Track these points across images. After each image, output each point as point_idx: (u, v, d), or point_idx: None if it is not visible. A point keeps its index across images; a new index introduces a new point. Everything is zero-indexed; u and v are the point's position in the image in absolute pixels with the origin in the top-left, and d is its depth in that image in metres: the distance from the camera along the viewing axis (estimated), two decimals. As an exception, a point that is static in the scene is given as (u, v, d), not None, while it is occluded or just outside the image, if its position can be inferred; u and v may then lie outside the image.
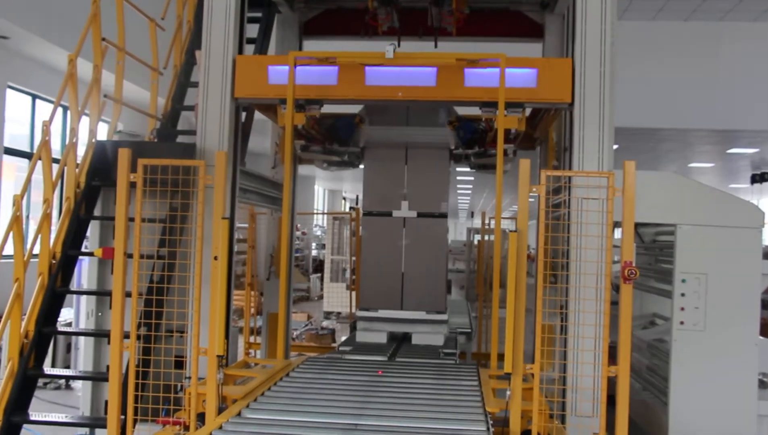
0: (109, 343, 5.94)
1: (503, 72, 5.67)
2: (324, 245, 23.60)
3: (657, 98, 14.24)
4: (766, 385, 6.00)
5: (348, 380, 5.18)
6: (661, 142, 17.22)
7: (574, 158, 5.90)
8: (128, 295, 4.48)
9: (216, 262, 4.24)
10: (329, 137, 7.35)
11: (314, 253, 26.07)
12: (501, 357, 7.53)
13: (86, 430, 6.39)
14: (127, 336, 4.56)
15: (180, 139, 7.08)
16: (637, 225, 4.64)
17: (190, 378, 5.63)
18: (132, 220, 4.45)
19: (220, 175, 4.34)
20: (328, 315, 17.17)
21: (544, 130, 7.39)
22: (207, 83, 5.96)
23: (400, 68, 5.97)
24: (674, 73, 14.10)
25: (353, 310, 10.68)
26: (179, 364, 5.86)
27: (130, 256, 4.50)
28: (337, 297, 17.10)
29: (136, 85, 9.80)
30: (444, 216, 7.18)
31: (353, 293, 10.85)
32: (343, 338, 13.38)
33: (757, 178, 20.49)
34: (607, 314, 4.19)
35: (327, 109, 6.33)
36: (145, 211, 4.60)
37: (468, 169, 8.18)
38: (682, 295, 5.89)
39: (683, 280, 5.90)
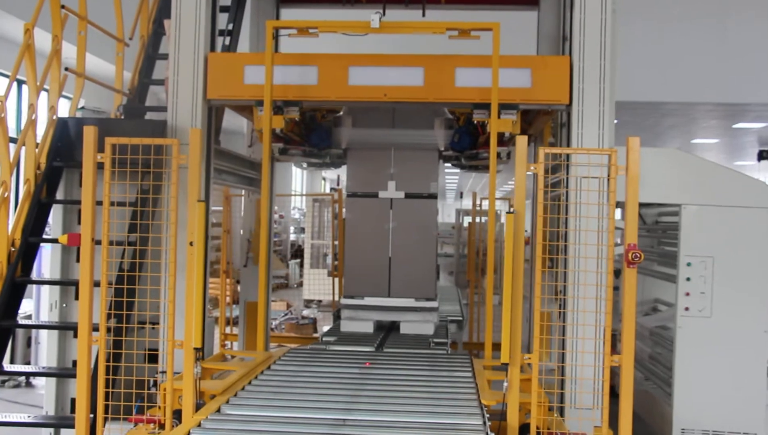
0: (75, 336, 6.01)
1: (496, 71, 5.69)
2: (303, 229, 23.60)
3: (660, 70, 14.28)
4: (776, 374, 6.10)
5: (334, 373, 5.21)
6: (664, 117, 17.29)
7: (572, 135, 5.94)
8: (96, 284, 4.46)
9: (192, 248, 4.23)
10: (309, 140, 7.38)
11: (292, 237, 26.06)
12: (496, 347, 7.65)
13: (50, 430, 6.39)
14: (95, 329, 4.55)
15: (149, 115, 7.04)
16: (639, 205, 4.70)
17: (164, 372, 5.68)
18: (99, 203, 4.43)
19: (195, 155, 4.33)
20: (308, 303, 17.21)
21: (539, 129, 7.42)
22: (177, 82, 5.94)
23: (386, 67, 6.04)
24: (679, 44, 14.14)
25: (336, 297, 10.69)
26: (152, 358, 5.89)
27: (97, 242, 4.47)
28: (317, 284, 17.14)
29: (99, 59, 9.72)
30: (434, 197, 7.20)
31: (336, 280, 10.86)
32: (326, 328, 13.46)
33: (764, 155, 20.63)
34: (610, 300, 4.23)
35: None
36: (113, 193, 4.57)
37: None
38: (688, 279, 5.97)
39: (688, 264, 5.98)
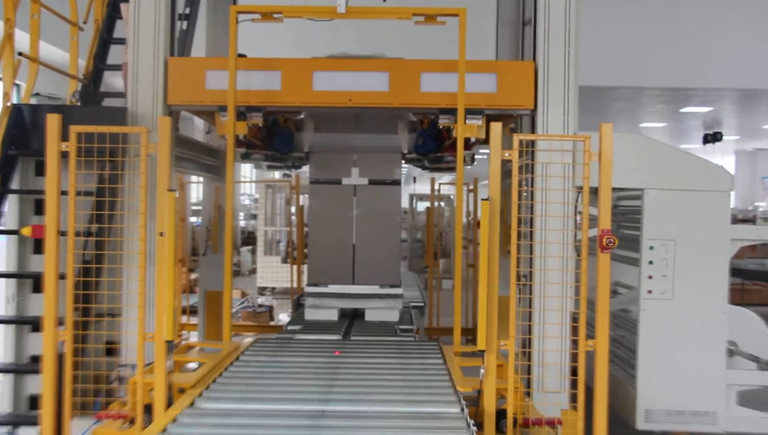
0: (34, 330, 5.87)
1: (462, 76, 5.71)
2: (254, 216, 23.40)
3: (609, 55, 14.45)
4: (734, 354, 6.27)
5: (304, 362, 5.18)
6: (613, 102, 17.59)
7: (537, 121, 5.99)
8: (62, 277, 4.35)
9: (162, 239, 4.14)
10: (271, 144, 7.32)
11: (242, 223, 25.80)
12: (464, 332, 7.68)
13: (9, 428, 6.22)
14: (59, 322, 4.43)
15: (106, 102, 6.87)
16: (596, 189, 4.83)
17: (125, 366, 5.58)
18: (65, 193, 4.31)
19: (164, 143, 4.23)
20: (262, 291, 17.09)
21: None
22: (136, 89, 5.83)
23: (350, 72, 6.06)
24: (628, 28, 14.34)
25: (294, 284, 10.64)
26: (109, 352, 5.77)
27: (62, 233, 4.35)
28: (271, 271, 17.02)
29: (52, 46, 9.42)
30: (397, 183, 7.20)
31: (293, 267, 10.80)
32: (282, 316, 13.45)
33: (709, 139, 21.16)
34: (584, 285, 4.28)
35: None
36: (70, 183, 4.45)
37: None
38: (650, 262, 6.08)
39: (651, 247, 6.09)
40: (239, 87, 5.82)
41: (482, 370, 4.27)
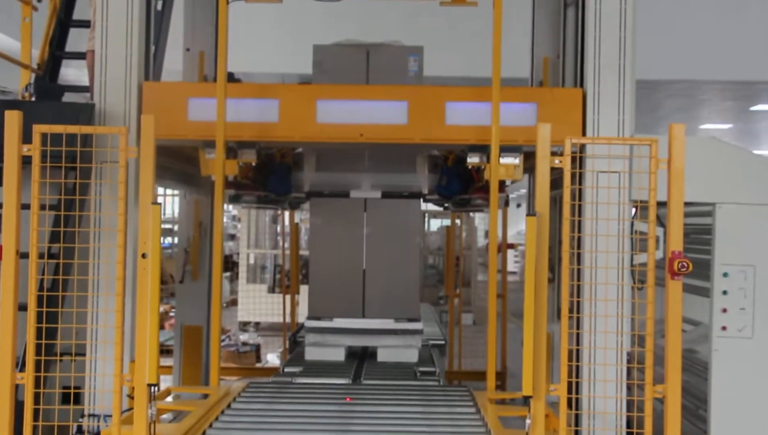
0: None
1: (497, 106, 5.69)
2: (232, 236, 23.42)
3: (662, 42, 14.51)
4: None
5: (309, 412, 5.22)
6: (668, 99, 17.64)
7: (587, 120, 5.99)
8: (22, 308, 4.38)
9: (144, 261, 4.17)
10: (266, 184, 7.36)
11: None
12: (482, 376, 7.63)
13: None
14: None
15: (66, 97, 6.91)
16: (658, 205, 4.78)
17: (91, 416, 5.59)
18: (26, 207, 4.35)
19: (148, 147, 4.28)
20: (244, 326, 17.10)
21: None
22: (104, 80, 5.78)
23: (361, 102, 6.03)
24: (687, 13, 14.39)
25: (287, 319, 10.66)
26: (66, 398, 5.77)
27: (23, 255, 4.39)
28: (256, 302, 17.04)
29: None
30: (417, 196, 7.24)
31: (286, 297, 10.82)
32: (271, 356, 13.44)
33: (785, 143, 21.20)
34: (651, 318, 4.30)
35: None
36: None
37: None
38: (724, 292, 6.06)
39: (725, 274, 6.07)
40: (229, 118, 5.79)
41: (528, 421, 4.28)
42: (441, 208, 9.29)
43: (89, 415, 5.52)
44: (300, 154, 7.28)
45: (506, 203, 7.03)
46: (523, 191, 14.17)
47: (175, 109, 5.95)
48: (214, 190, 5.95)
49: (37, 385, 5.00)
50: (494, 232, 6.09)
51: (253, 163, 6.24)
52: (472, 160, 6.12)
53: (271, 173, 7.22)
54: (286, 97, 6.04)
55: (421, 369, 6.62)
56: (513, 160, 5.96)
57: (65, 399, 5.75)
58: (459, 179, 7.17)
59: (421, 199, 7.31)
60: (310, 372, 6.46)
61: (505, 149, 5.85)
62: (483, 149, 5.95)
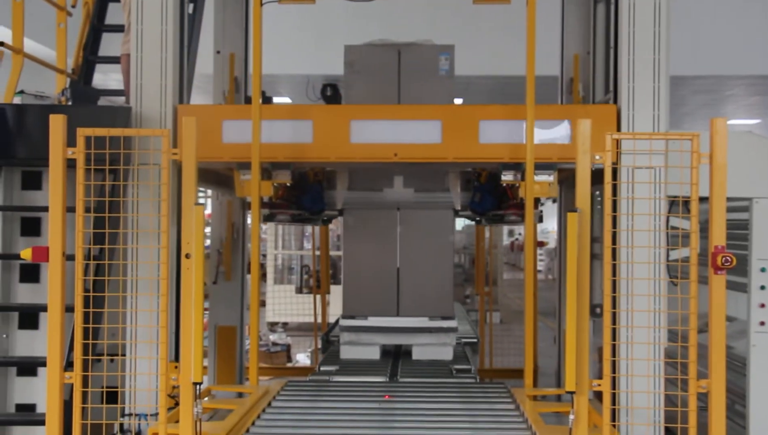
0: (20, 374, 5.93)
1: (531, 124, 5.70)
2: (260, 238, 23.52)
3: (688, 38, 14.43)
4: None
5: (349, 409, 5.25)
6: (693, 95, 17.56)
7: (622, 115, 5.96)
8: (68, 309, 4.43)
9: (188, 261, 4.21)
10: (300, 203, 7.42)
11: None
12: (515, 373, 7.61)
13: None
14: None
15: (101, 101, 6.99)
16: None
17: (131, 415, 5.63)
18: (72, 210, 4.40)
19: (190, 149, 4.31)
20: (273, 326, 17.17)
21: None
22: (140, 84, 5.81)
23: (395, 121, 6.03)
24: (712, 10, 14.32)
25: (318, 319, 10.69)
26: (109, 397, 5.83)
27: (69, 257, 4.44)
28: (284, 303, 17.11)
29: (34, 41, 9.59)
30: (450, 206, 7.25)
31: (316, 297, 10.85)
32: (300, 356, 13.50)
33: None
34: (694, 314, 4.28)
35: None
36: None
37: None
38: (762, 287, 6.04)
39: (762, 269, 6.06)
40: (263, 139, 5.82)
41: (571, 416, 4.28)
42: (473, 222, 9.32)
43: (131, 415, 5.57)
44: (333, 172, 7.36)
45: (540, 220, 7.02)
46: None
47: (209, 131, 5.93)
48: (250, 205, 5.99)
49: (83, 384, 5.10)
50: (530, 248, 6.07)
51: (288, 184, 6.23)
52: (506, 177, 6.13)
53: (305, 192, 7.29)
54: (319, 118, 6.04)
55: (457, 367, 6.62)
56: (547, 178, 6.00)
57: (105, 398, 5.84)
58: (492, 196, 7.19)
59: (454, 213, 7.33)
60: (347, 370, 6.49)
61: (540, 166, 5.87)
62: (517, 167, 5.96)
